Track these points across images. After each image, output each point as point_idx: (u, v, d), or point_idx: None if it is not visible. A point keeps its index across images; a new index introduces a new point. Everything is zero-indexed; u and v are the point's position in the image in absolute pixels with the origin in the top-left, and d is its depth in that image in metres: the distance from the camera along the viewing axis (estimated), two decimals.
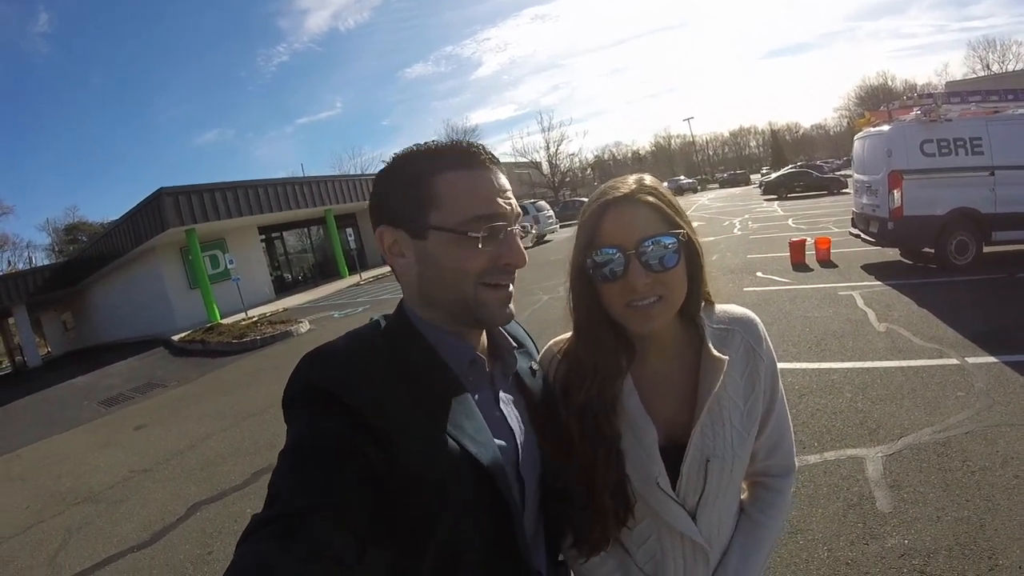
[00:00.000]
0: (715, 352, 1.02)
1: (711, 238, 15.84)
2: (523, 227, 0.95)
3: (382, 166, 0.94)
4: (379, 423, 0.76)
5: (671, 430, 1.03)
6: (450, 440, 0.81)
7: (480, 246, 0.85)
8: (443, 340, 0.90)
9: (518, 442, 0.93)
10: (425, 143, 0.90)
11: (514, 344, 1.03)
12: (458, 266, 0.86)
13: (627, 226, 0.96)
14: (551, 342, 1.17)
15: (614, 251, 0.95)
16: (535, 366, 1.09)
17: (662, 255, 0.95)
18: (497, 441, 0.87)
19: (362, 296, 16.56)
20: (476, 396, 0.90)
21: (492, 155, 0.91)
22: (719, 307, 1.10)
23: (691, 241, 0.99)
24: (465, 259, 0.86)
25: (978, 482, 3.09)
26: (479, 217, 0.85)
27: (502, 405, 0.95)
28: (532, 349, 1.13)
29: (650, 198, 0.98)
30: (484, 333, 0.99)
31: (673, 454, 1.01)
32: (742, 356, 1.06)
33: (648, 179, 1.02)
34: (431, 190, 0.86)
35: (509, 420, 0.94)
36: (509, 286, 0.91)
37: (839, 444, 3.75)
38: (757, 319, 1.11)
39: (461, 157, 0.87)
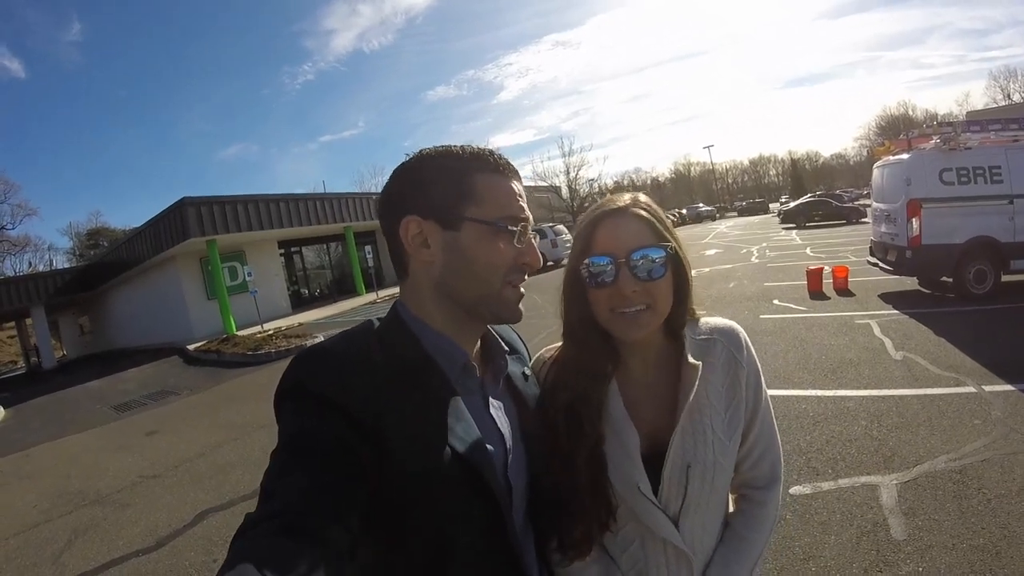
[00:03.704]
0: (691, 360, 1.05)
1: (728, 265, 15.82)
2: (538, 231, 0.98)
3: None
4: (370, 422, 0.77)
5: (654, 437, 1.05)
6: (439, 441, 0.82)
7: (515, 242, 0.90)
8: (436, 343, 0.91)
9: (507, 447, 0.94)
10: (456, 145, 0.94)
11: (506, 348, 1.05)
12: (489, 259, 0.89)
13: (620, 237, 1.01)
14: (543, 349, 1.20)
15: (606, 259, 1.00)
16: (527, 371, 1.11)
17: (651, 267, 0.99)
18: (486, 446, 0.88)
19: (378, 313, 16.23)
20: (466, 400, 0.90)
21: (516, 168, 0.97)
22: (702, 319, 1.13)
23: (678, 256, 1.03)
24: (497, 253, 0.89)
25: (994, 510, 3.03)
26: (512, 216, 0.91)
27: (492, 410, 0.96)
28: (525, 355, 1.16)
29: (643, 213, 1.04)
30: (478, 339, 1.01)
31: (655, 461, 1.03)
32: (724, 364, 1.08)
33: (642, 197, 1.08)
34: (470, 186, 0.89)
35: (499, 425, 0.95)
36: (522, 287, 0.95)
37: (853, 472, 3.68)
38: (739, 328, 1.14)
39: (495, 163, 0.92)
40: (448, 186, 0.89)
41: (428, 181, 0.90)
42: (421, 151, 0.94)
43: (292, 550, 0.61)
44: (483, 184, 0.90)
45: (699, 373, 1.03)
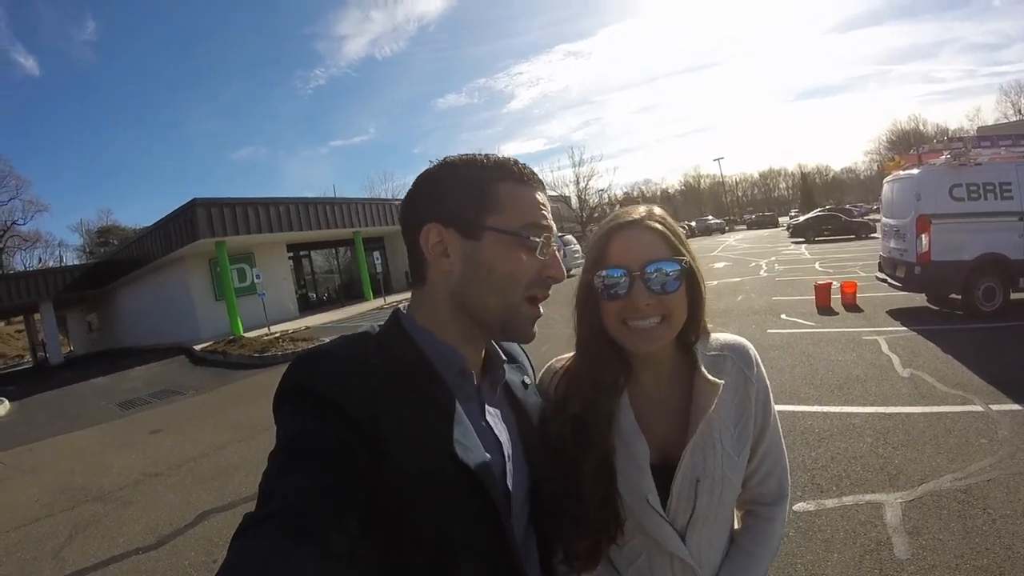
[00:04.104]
0: (709, 376, 1.04)
1: (737, 279, 15.75)
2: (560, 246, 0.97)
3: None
4: (368, 424, 0.77)
5: (664, 450, 1.05)
6: (436, 443, 0.81)
7: (537, 252, 0.89)
8: (435, 347, 0.91)
9: (504, 454, 0.93)
10: (482, 153, 0.93)
11: (504, 358, 1.04)
12: (510, 270, 0.88)
13: (634, 249, 1.00)
14: (553, 360, 1.20)
15: (620, 272, 0.99)
16: (527, 380, 1.10)
17: (664, 280, 0.99)
18: (483, 451, 0.87)
19: (385, 319, 16.16)
20: (462, 405, 0.90)
21: (540, 179, 0.95)
22: (712, 335, 1.13)
23: (693, 270, 1.03)
24: (518, 263, 0.88)
25: (999, 530, 2.99)
26: (535, 225, 0.89)
27: (488, 417, 0.95)
28: (526, 364, 1.15)
29: (657, 226, 1.03)
30: (482, 351, 1.00)
31: (665, 474, 1.03)
32: (734, 381, 1.08)
33: (657, 209, 1.08)
34: (492, 195, 0.88)
35: (496, 432, 0.94)
36: (541, 306, 0.94)
37: (858, 489, 3.65)
38: (749, 345, 1.13)
39: (519, 173, 0.91)
40: (470, 195, 0.88)
41: (450, 189, 0.90)
42: (445, 159, 0.94)
43: (292, 551, 0.61)
44: (506, 193, 0.89)
45: (719, 391, 1.03)
